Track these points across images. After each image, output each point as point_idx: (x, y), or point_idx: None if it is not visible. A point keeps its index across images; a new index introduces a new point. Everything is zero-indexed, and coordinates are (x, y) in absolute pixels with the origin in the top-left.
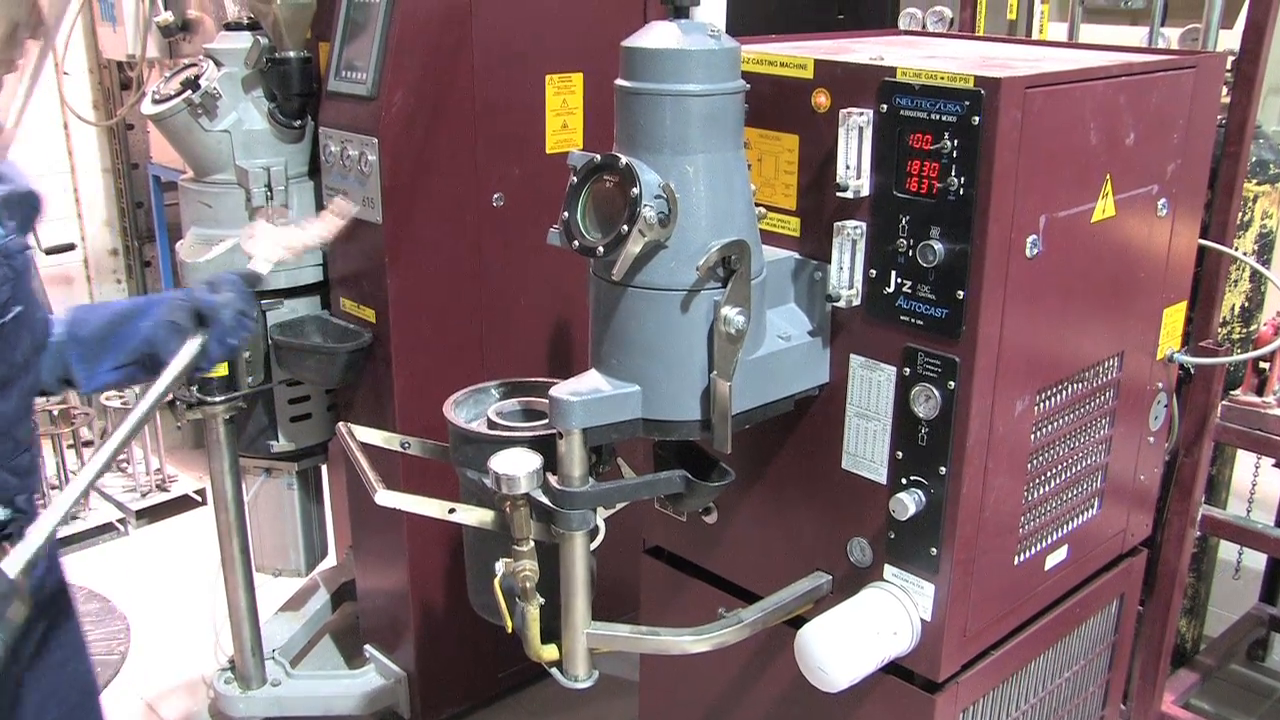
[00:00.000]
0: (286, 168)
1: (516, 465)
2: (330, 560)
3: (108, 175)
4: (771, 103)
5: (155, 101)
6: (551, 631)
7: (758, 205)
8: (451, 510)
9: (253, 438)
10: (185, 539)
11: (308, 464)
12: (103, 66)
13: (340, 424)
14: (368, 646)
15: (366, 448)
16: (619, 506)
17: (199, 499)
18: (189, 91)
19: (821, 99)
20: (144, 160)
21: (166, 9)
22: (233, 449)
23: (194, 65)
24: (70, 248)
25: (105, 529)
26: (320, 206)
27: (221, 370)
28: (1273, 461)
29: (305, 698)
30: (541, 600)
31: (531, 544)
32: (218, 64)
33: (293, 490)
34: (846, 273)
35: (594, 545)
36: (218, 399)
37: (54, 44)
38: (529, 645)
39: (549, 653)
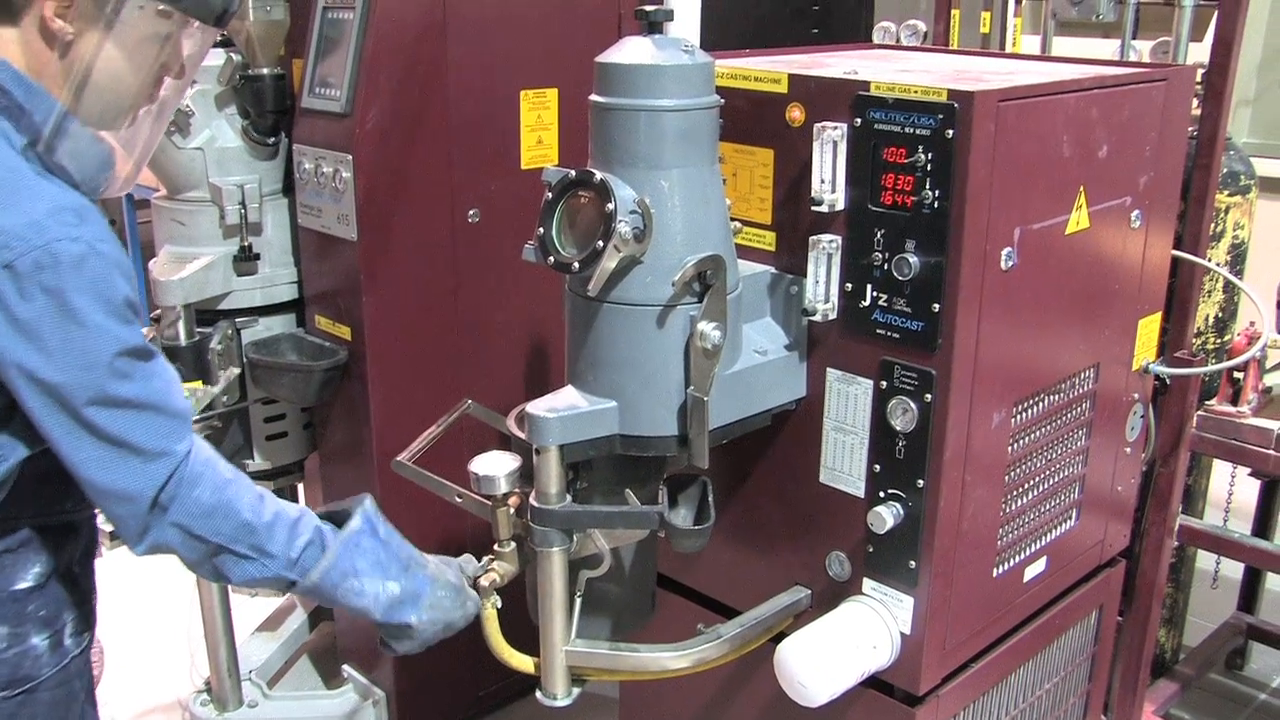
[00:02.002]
0: (260, 185)
1: (496, 466)
2: None
3: None
4: (746, 117)
5: None
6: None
7: (733, 220)
8: (459, 496)
9: (228, 457)
10: (160, 559)
11: (284, 482)
12: None
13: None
14: (346, 666)
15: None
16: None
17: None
18: None
19: (796, 113)
20: None
21: None
22: None
23: None
24: None
25: None
26: (294, 224)
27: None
28: (1248, 471)
29: (283, 719)
30: (499, 603)
31: (513, 546)
32: (191, 81)
33: None
34: (822, 286)
35: (599, 572)
36: (193, 419)
37: (189, 82)
38: (491, 645)
39: (517, 660)
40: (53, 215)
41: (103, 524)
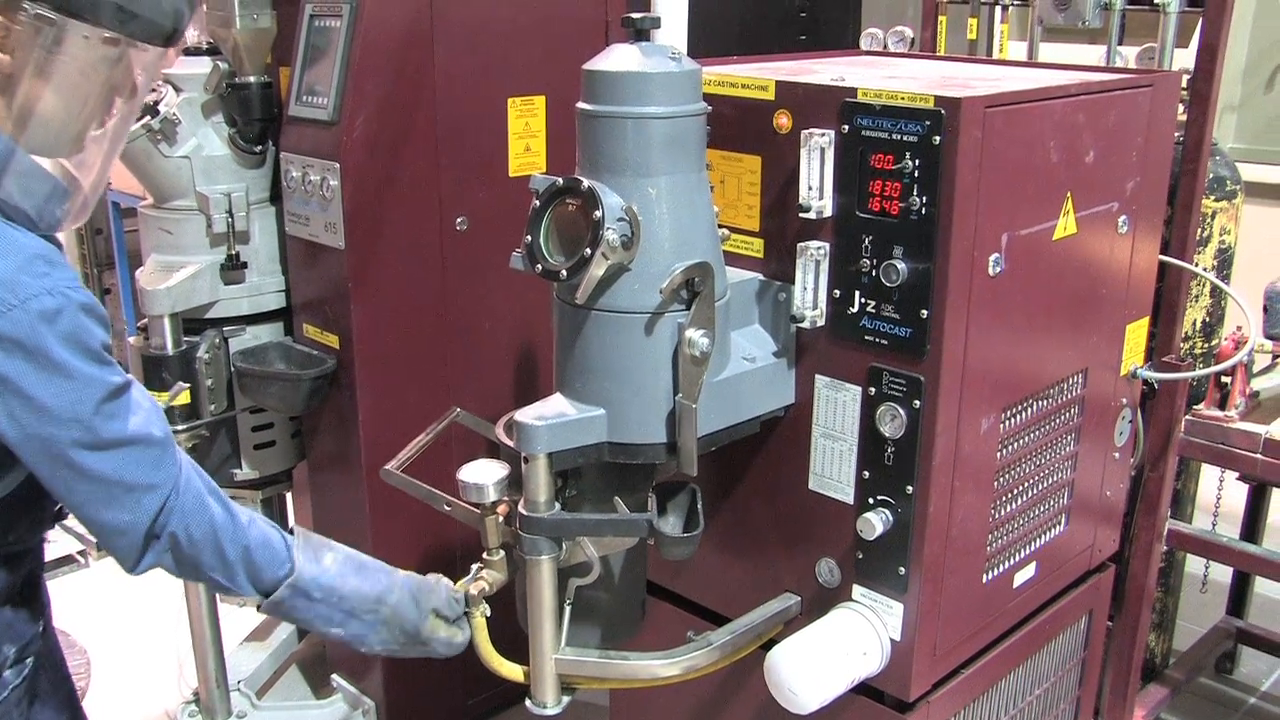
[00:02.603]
0: (247, 193)
1: (484, 474)
2: None
3: None
4: (734, 124)
5: None
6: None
7: (721, 227)
8: (448, 505)
9: (216, 466)
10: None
11: (272, 492)
12: None
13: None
14: (335, 676)
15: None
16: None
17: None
18: (148, 117)
19: (783, 120)
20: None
21: None
22: None
23: (153, 91)
24: None
25: (65, 561)
26: (281, 232)
27: (184, 398)
28: (1236, 475)
29: None
30: (488, 611)
31: (501, 554)
32: (177, 89)
33: None
34: (810, 293)
35: (588, 580)
36: (180, 428)
37: (140, 106)
38: (481, 654)
39: (507, 669)
40: (24, 269)
41: (90, 535)
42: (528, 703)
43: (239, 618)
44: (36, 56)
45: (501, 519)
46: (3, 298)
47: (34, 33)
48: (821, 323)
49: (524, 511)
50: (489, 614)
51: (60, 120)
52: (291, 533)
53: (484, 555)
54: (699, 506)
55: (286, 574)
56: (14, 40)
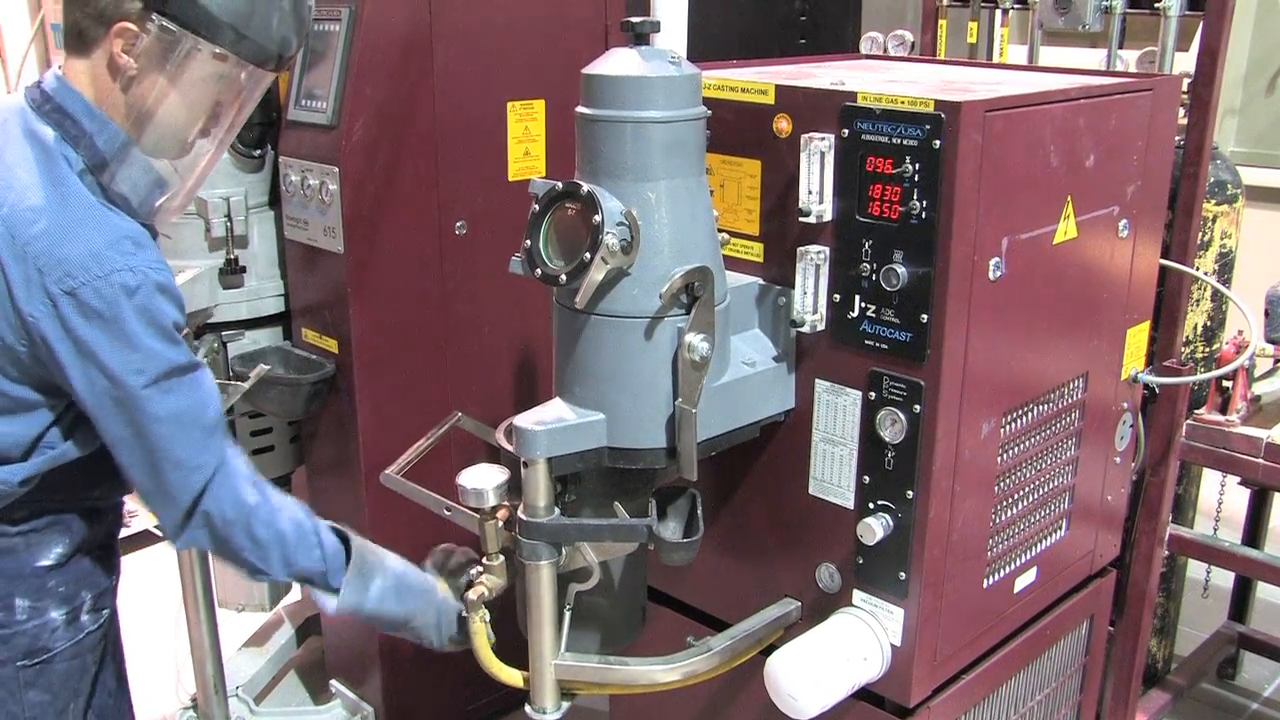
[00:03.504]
0: (246, 198)
1: (484, 479)
2: (295, 594)
3: None
4: (733, 128)
5: None
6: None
7: (721, 231)
8: (449, 509)
9: None
10: (145, 575)
11: None
12: None
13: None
14: (333, 682)
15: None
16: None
17: (160, 534)
18: None
19: (783, 124)
20: None
21: None
22: None
23: None
24: None
25: None
26: (280, 236)
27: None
28: (1238, 479)
29: None
30: (487, 616)
31: (501, 559)
32: None
33: None
34: (810, 297)
35: (588, 585)
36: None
37: (242, 123)
38: (480, 659)
39: (506, 674)
40: (112, 246)
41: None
42: (527, 708)
43: (237, 623)
44: (157, 65)
45: (501, 524)
46: (90, 269)
47: (158, 44)
48: (821, 327)
49: (523, 517)
50: (488, 618)
51: (170, 125)
52: (346, 542)
53: (484, 560)
54: (699, 512)
55: (321, 569)
56: (140, 48)
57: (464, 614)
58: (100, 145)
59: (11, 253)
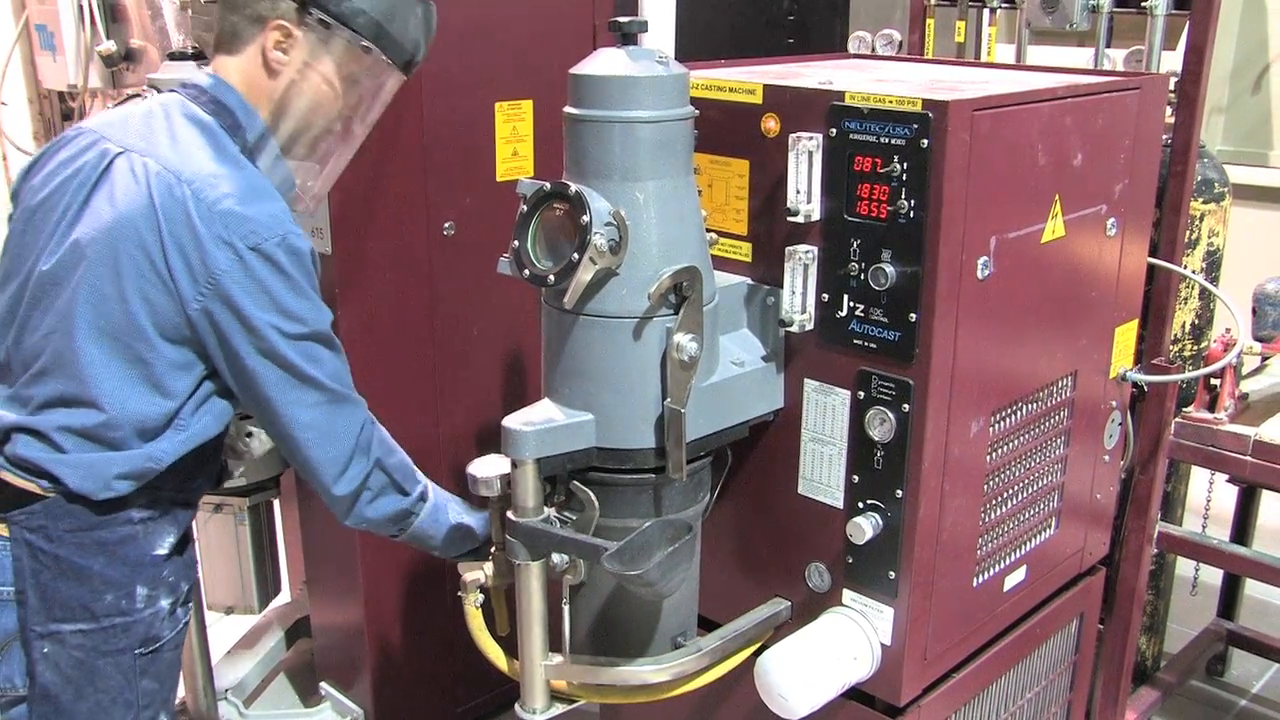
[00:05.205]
0: None
1: (494, 469)
2: (284, 596)
3: None
4: (721, 128)
5: None
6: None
7: (709, 231)
8: None
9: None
10: None
11: (259, 498)
12: (43, 96)
13: None
14: (323, 684)
15: None
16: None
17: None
18: None
19: (771, 124)
20: None
21: (109, 38)
22: None
23: (137, 95)
24: None
25: None
26: None
27: None
28: (1226, 477)
29: None
30: (480, 600)
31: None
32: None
33: (244, 526)
34: (799, 297)
35: (573, 582)
36: None
37: (369, 128)
38: (473, 637)
39: (494, 652)
40: (285, 213)
41: None
42: (517, 708)
43: (226, 626)
44: (306, 60)
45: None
46: (271, 228)
47: (309, 39)
48: (810, 327)
49: (510, 516)
50: (480, 603)
51: (308, 120)
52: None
53: (491, 551)
54: (676, 548)
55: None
56: (291, 44)
57: (460, 594)
58: (248, 136)
59: (199, 214)
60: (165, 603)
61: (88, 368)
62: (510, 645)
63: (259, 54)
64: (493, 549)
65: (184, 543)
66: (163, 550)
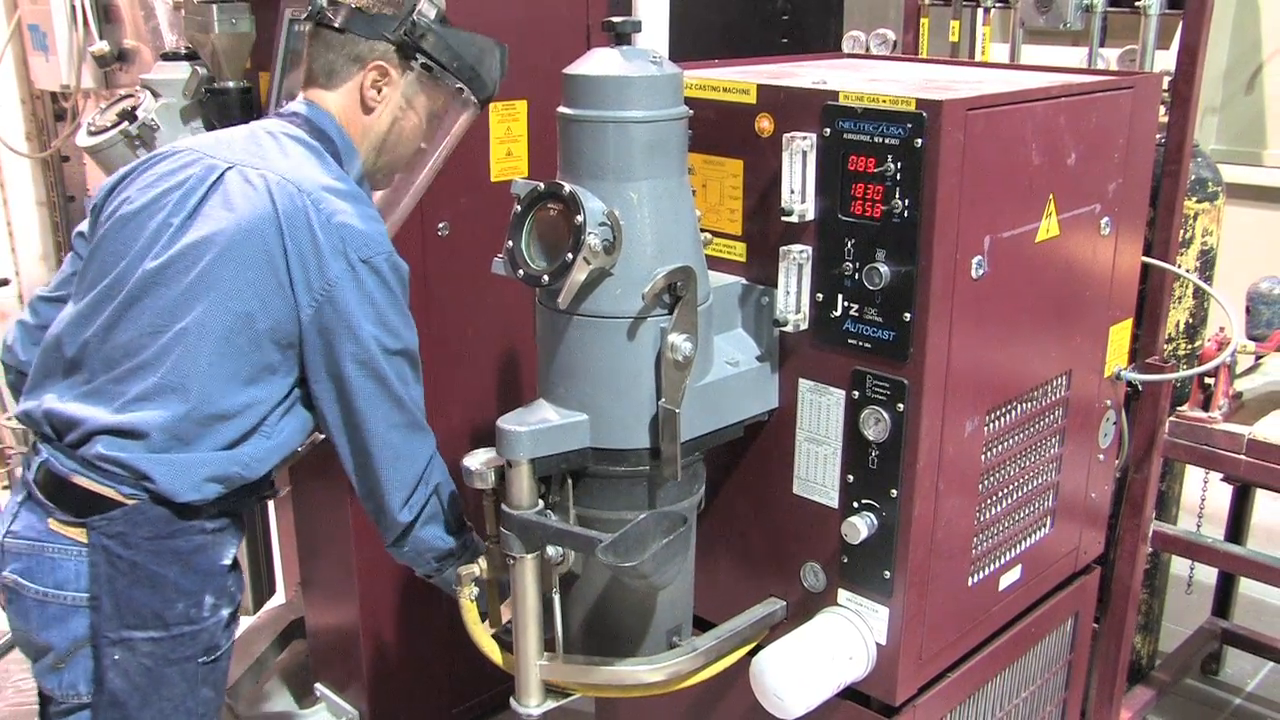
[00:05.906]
0: None
1: (487, 461)
2: (279, 598)
3: (42, 208)
4: (715, 128)
5: (91, 133)
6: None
7: (703, 231)
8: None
9: None
10: None
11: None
12: (35, 97)
13: None
14: (318, 685)
15: None
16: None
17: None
18: (126, 123)
19: (765, 123)
20: (80, 193)
21: (101, 38)
22: None
23: (131, 96)
24: (4, 283)
25: None
26: None
27: None
28: (1220, 476)
29: None
30: (475, 593)
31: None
32: (155, 94)
33: None
34: (793, 297)
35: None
36: None
37: (444, 161)
38: (468, 630)
39: (488, 645)
40: (385, 233)
41: None
42: (512, 702)
43: None
44: (401, 98)
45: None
46: (380, 244)
47: (405, 80)
48: (804, 326)
49: (504, 508)
50: (475, 596)
51: (394, 153)
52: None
53: (487, 545)
54: (669, 540)
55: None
56: (385, 81)
57: (455, 588)
58: (344, 164)
59: (319, 223)
60: (226, 612)
61: (192, 362)
62: (504, 640)
63: (356, 90)
64: (489, 543)
65: (237, 557)
66: (227, 561)
